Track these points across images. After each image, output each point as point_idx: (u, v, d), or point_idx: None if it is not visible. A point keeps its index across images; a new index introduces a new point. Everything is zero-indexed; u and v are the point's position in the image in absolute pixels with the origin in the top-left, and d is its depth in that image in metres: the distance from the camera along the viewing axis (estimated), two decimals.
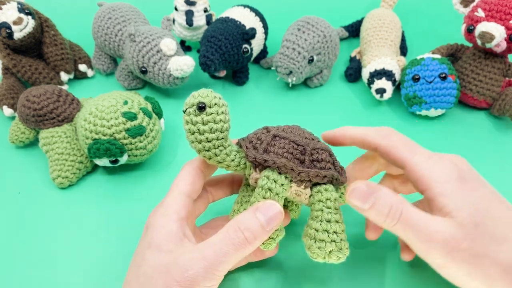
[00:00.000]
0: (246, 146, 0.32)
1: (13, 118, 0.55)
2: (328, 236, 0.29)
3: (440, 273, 0.29)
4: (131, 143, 0.44)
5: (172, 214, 0.31)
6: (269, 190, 0.30)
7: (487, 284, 0.27)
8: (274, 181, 0.30)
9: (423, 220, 0.28)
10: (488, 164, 0.49)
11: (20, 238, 0.41)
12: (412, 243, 0.29)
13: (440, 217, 0.28)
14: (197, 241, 0.31)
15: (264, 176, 0.31)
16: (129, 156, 0.45)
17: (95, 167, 0.49)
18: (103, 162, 0.45)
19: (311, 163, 0.31)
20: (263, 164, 0.31)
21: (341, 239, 0.30)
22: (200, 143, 0.31)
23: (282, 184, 0.30)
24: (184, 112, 0.31)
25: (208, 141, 0.31)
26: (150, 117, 0.46)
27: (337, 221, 0.30)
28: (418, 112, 0.54)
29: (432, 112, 0.53)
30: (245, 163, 0.33)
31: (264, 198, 0.30)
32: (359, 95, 0.60)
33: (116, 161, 0.45)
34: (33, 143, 0.51)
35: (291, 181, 0.31)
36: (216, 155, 0.31)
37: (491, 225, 0.28)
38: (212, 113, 0.31)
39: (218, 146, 0.31)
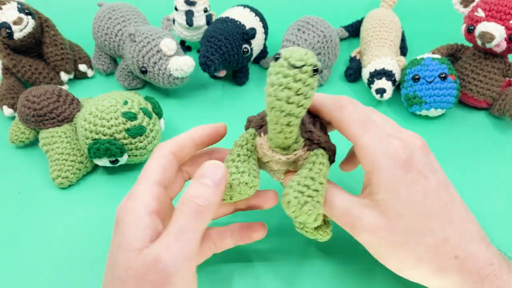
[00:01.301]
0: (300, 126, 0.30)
1: (13, 118, 0.55)
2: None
3: (368, 250, 0.31)
4: (131, 143, 0.44)
5: (141, 209, 0.28)
6: (324, 165, 0.30)
7: (403, 267, 0.30)
8: (322, 155, 0.30)
9: (346, 206, 0.30)
10: (488, 164, 0.49)
11: (20, 238, 0.41)
12: (339, 223, 0.31)
13: (367, 201, 0.30)
14: None
15: (320, 154, 0.30)
16: (129, 156, 0.45)
17: (95, 167, 0.49)
18: (103, 162, 0.45)
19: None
20: (318, 142, 0.31)
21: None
22: (295, 105, 0.25)
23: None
24: (296, 67, 0.25)
25: (300, 106, 0.26)
26: (150, 117, 0.46)
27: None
28: (418, 112, 0.54)
29: (432, 112, 0.53)
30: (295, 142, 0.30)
31: (324, 178, 0.29)
32: (359, 95, 0.60)
33: (116, 161, 0.45)
34: (33, 143, 0.51)
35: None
36: (294, 125, 0.27)
37: (417, 219, 0.28)
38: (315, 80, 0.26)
39: (300, 117, 0.27)
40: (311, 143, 0.31)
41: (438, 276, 0.29)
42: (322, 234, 0.33)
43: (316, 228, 0.33)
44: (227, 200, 0.31)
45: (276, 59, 0.25)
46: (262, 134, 0.31)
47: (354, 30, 0.71)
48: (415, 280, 0.30)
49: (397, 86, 0.58)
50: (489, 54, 0.54)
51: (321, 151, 0.31)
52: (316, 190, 0.28)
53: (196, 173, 0.28)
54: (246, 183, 0.29)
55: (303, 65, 0.25)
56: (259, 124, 0.32)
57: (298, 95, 0.25)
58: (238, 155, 0.30)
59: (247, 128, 0.33)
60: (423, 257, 0.28)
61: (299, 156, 0.30)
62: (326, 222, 0.34)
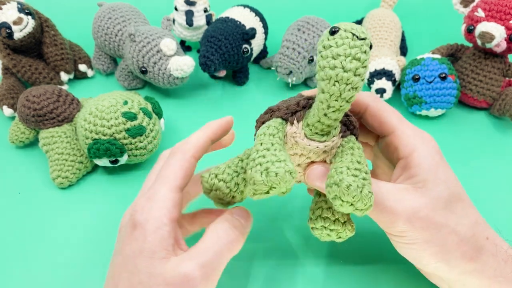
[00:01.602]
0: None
1: (13, 118, 0.55)
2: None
3: (399, 243, 0.30)
4: (131, 143, 0.44)
5: (164, 216, 0.28)
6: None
7: (442, 252, 0.29)
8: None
9: (383, 191, 0.29)
10: (488, 164, 0.49)
11: (20, 238, 0.41)
12: (373, 215, 0.29)
13: (403, 186, 0.29)
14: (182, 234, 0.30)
15: (353, 140, 0.29)
16: (129, 156, 0.45)
17: (95, 167, 0.49)
18: (103, 162, 0.45)
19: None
20: (353, 127, 0.30)
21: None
22: (359, 78, 0.24)
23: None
24: (361, 38, 0.24)
25: (362, 80, 0.25)
26: (150, 117, 0.46)
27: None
28: (418, 112, 0.54)
29: (432, 112, 0.53)
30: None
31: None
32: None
33: (116, 161, 0.45)
34: (33, 143, 0.51)
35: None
36: (351, 102, 0.25)
37: (455, 201, 0.29)
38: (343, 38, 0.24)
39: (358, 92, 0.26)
40: (346, 129, 0.29)
41: (477, 258, 0.29)
42: (350, 230, 0.30)
43: (344, 223, 0.30)
44: (258, 195, 0.27)
45: (333, 32, 0.24)
46: (295, 122, 0.28)
47: None
48: (449, 272, 0.30)
49: (397, 86, 0.58)
50: (489, 54, 0.54)
51: (353, 137, 0.30)
52: (367, 173, 0.27)
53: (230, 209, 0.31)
54: (290, 172, 0.25)
55: (366, 37, 0.24)
56: (290, 111, 0.29)
57: (364, 67, 0.24)
58: (272, 144, 0.27)
59: (266, 119, 0.30)
60: (464, 236, 0.29)
61: (336, 143, 0.29)
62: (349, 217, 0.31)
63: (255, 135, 0.30)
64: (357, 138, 0.30)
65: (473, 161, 0.50)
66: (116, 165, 0.46)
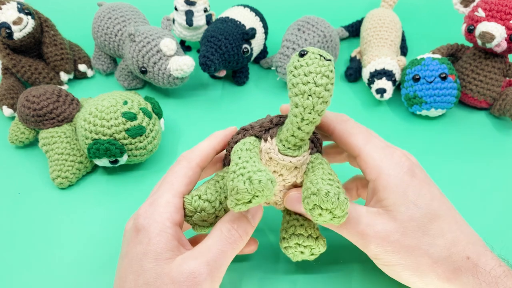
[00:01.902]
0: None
1: (13, 118, 0.55)
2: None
3: (377, 263, 0.31)
4: (131, 143, 0.44)
5: (167, 219, 0.29)
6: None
7: (417, 274, 0.29)
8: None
9: (355, 216, 0.29)
10: (488, 164, 0.49)
11: (20, 238, 0.41)
12: (348, 237, 0.30)
13: (375, 209, 0.30)
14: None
15: (320, 156, 0.32)
16: (129, 156, 0.45)
17: (95, 167, 0.49)
18: (103, 162, 0.45)
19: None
20: (319, 143, 0.32)
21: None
22: (329, 94, 0.27)
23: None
24: (328, 59, 0.27)
25: (330, 96, 0.27)
26: (150, 117, 0.46)
27: (338, 183, 0.29)
28: (418, 112, 0.54)
29: (432, 112, 0.53)
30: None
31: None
32: (359, 95, 0.60)
33: (116, 161, 0.45)
34: (33, 143, 0.51)
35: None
36: (321, 116, 0.28)
37: (428, 221, 0.29)
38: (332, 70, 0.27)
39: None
40: (313, 146, 0.31)
41: (454, 279, 0.28)
42: (322, 245, 0.32)
43: (317, 238, 0.31)
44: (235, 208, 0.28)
45: (303, 55, 0.27)
46: (269, 138, 0.30)
47: (354, 30, 0.71)
48: None
49: (397, 86, 0.58)
50: (490, 54, 0.54)
51: (319, 155, 0.32)
52: (339, 183, 0.29)
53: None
54: (271, 181, 0.26)
55: (331, 59, 0.27)
56: (264, 128, 0.31)
57: (331, 84, 0.27)
58: (250, 157, 0.28)
59: (240, 138, 0.32)
60: (438, 258, 0.28)
61: (306, 158, 0.30)
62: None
63: (228, 154, 0.32)
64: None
65: (473, 161, 0.49)
66: (116, 165, 0.46)
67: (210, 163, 0.35)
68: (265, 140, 0.30)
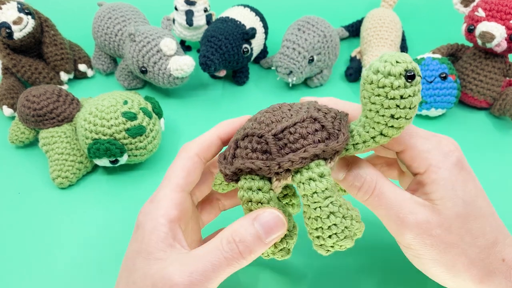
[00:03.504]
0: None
1: (13, 118, 0.55)
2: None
3: (407, 253, 0.29)
4: (131, 143, 0.44)
5: (162, 216, 0.27)
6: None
7: (451, 273, 0.28)
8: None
9: (398, 199, 0.27)
10: (488, 164, 0.49)
11: (20, 238, 0.41)
12: (384, 220, 0.28)
13: (420, 199, 0.28)
14: (194, 240, 0.30)
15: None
16: (129, 156, 0.45)
17: (95, 167, 0.49)
18: (103, 162, 0.45)
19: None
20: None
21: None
22: (407, 119, 0.25)
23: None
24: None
25: (408, 119, 0.25)
26: (150, 117, 0.46)
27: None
28: (418, 112, 0.54)
29: (433, 112, 0.53)
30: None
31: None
32: (359, 95, 0.60)
33: (116, 161, 0.45)
34: (33, 143, 0.51)
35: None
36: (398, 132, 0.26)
37: (473, 219, 0.28)
38: (418, 83, 0.24)
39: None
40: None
41: (487, 281, 0.27)
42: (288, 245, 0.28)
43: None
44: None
45: (411, 77, 0.24)
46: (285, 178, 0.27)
47: (354, 30, 0.71)
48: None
49: None
50: (490, 54, 0.54)
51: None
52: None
53: (255, 211, 0.26)
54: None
55: (392, 81, 0.25)
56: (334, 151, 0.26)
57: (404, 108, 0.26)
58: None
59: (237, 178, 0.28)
60: (476, 259, 0.27)
61: None
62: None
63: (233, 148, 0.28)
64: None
65: (473, 161, 0.49)
66: (116, 165, 0.46)
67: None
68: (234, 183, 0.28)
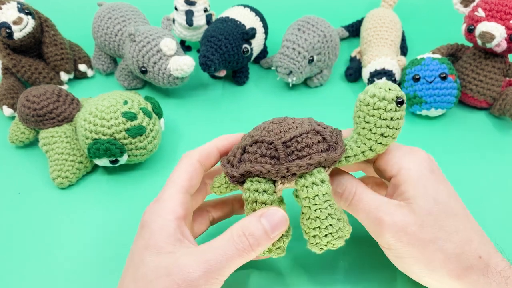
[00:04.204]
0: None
1: (13, 118, 0.55)
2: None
3: (389, 255, 0.31)
4: (131, 143, 0.44)
5: (169, 213, 0.29)
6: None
7: (429, 269, 0.29)
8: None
9: (376, 203, 0.30)
10: (488, 164, 0.49)
11: (20, 238, 0.41)
12: (365, 224, 0.31)
13: (396, 201, 0.30)
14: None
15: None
16: (129, 156, 0.45)
17: (95, 167, 0.49)
18: (103, 162, 0.45)
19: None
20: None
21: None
22: (393, 138, 0.30)
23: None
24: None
25: (393, 138, 0.30)
26: (150, 117, 0.46)
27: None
28: (418, 112, 0.54)
29: (432, 112, 0.53)
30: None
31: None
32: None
33: (116, 161, 0.45)
34: (33, 143, 0.51)
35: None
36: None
37: (445, 217, 0.29)
38: (404, 109, 0.30)
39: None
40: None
41: (464, 277, 0.28)
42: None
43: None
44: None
45: (400, 103, 0.29)
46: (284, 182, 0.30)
47: (354, 30, 0.71)
48: (437, 287, 0.30)
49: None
50: (490, 54, 0.54)
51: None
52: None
53: (261, 209, 0.29)
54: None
55: (386, 105, 0.30)
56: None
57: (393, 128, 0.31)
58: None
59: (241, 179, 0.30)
60: (451, 254, 0.29)
61: None
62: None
63: (237, 158, 0.30)
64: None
65: (473, 161, 0.49)
66: (116, 165, 0.46)
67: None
68: (240, 186, 0.31)
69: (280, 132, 0.30)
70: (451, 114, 0.56)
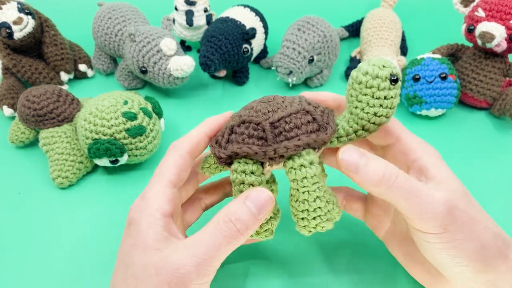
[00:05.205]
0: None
1: (13, 118, 0.55)
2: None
3: (431, 249, 0.28)
4: (131, 143, 0.44)
5: (156, 211, 0.28)
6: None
7: (482, 249, 0.27)
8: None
9: (421, 184, 0.27)
10: (488, 164, 0.49)
11: (20, 238, 0.41)
12: (411, 209, 0.27)
13: (434, 184, 0.28)
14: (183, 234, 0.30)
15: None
16: (129, 156, 0.45)
17: (95, 167, 0.49)
18: (103, 162, 0.45)
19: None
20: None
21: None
22: (387, 118, 0.29)
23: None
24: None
25: (387, 118, 0.29)
26: (150, 117, 0.46)
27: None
28: (418, 112, 0.54)
29: (432, 112, 0.53)
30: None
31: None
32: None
33: (116, 161, 0.45)
34: (33, 143, 0.51)
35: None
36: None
37: (474, 201, 0.29)
38: (399, 87, 0.28)
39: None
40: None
41: (506, 258, 0.28)
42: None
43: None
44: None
45: (394, 80, 0.28)
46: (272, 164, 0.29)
47: (354, 30, 0.71)
48: (482, 275, 0.28)
49: None
50: (490, 54, 0.54)
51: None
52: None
53: (245, 192, 0.28)
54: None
55: (380, 83, 0.29)
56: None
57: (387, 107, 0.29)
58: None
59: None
60: (495, 232, 0.28)
61: None
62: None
63: (224, 140, 0.29)
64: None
65: (473, 161, 0.50)
66: (116, 165, 0.46)
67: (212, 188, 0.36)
68: (228, 167, 0.30)
69: (269, 112, 0.29)
70: (451, 114, 0.56)
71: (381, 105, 0.28)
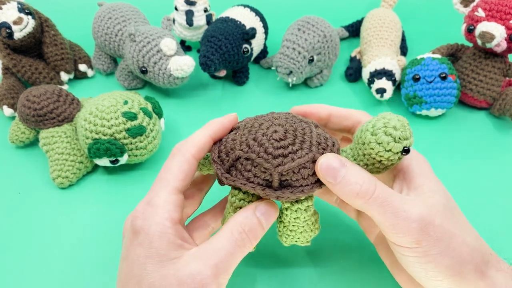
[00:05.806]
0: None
1: (13, 118, 0.55)
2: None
3: (409, 262, 0.28)
4: (131, 143, 0.44)
5: (167, 219, 0.28)
6: (239, 207, 0.30)
7: (458, 264, 0.27)
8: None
9: (398, 199, 0.28)
10: (488, 164, 0.49)
11: (20, 238, 0.41)
12: (382, 222, 0.28)
13: (414, 196, 0.28)
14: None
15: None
16: (129, 156, 0.45)
17: (95, 167, 0.49)
18: (103, 162, 0.45)
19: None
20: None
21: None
22: (388, 169, 0.29)
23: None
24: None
25: (389, 169, 0.30)
26: (150, 117, 0.46)
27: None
28: (418, 112, 0.54)
29: (432, 112, 0.53)
30: None
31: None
32: (359, 95, 0.60)
33: (116, 161, 0.45)
34: (33, 143, 0.51)
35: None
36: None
37: (457, 212, 0.29)
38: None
39: None
40: None
41: (486, 273, 0.27)
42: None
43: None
44: None
45: (406, 151, 0.28)
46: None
47: (354, 30, 0.71)
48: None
49: (397, 86, 0.58)
50: (489, 54, 0.54)
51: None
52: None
53: (255, 202, 0.30)
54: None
55: (395, 153, 0.29)
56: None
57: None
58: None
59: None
60: (474, 247, 0.28)
61: None
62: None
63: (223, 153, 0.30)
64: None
65: (473, 161, 0.50)
66: (116, 165, 0.46)
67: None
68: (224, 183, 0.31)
69: (279, 156, 0.28)
70: (451, 114, 0.56)
71: (385, 167, 0.29)
